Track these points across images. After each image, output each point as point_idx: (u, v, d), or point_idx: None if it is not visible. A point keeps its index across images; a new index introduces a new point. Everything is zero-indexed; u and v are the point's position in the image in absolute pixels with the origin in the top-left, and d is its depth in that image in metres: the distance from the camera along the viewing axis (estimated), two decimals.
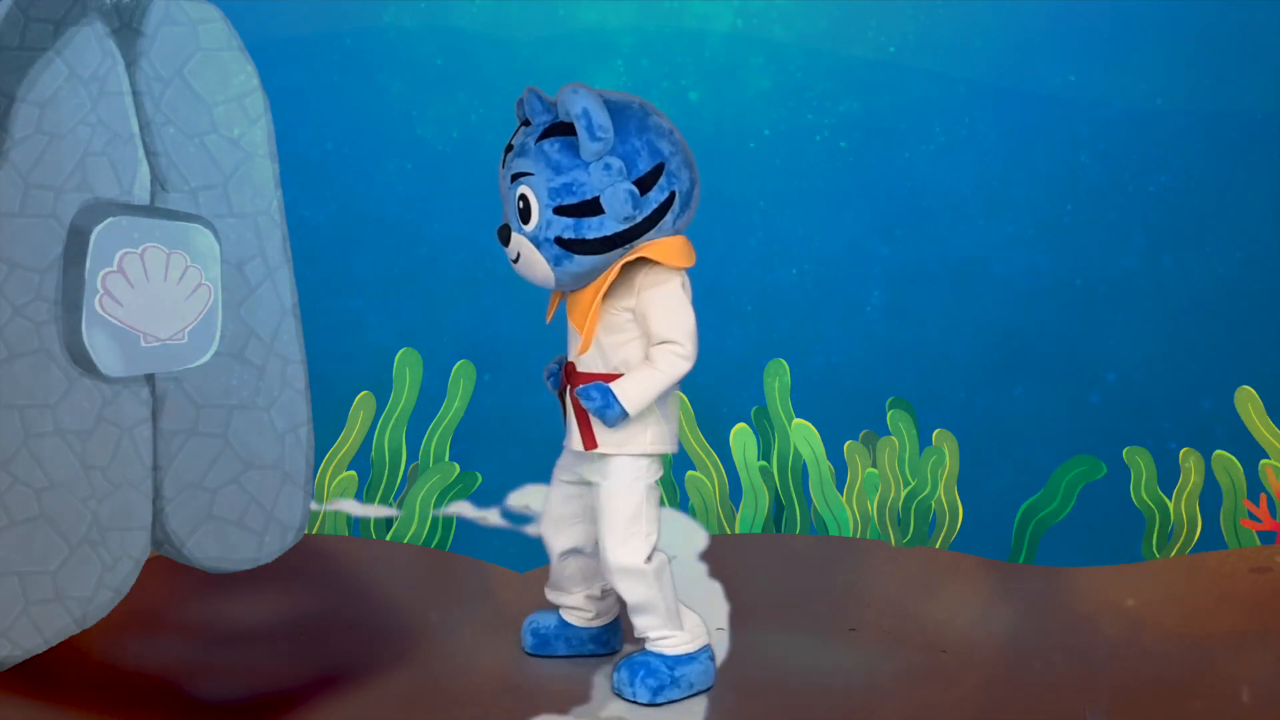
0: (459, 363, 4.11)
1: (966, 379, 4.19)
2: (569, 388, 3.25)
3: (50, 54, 2.89)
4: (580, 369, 3.23)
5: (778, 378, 4.15)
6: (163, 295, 3.01)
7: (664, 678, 3.21)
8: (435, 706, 3.18)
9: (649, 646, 3.26)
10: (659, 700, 3.19)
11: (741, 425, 4.16)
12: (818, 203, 4.17)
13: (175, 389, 3.11)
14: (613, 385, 3.15)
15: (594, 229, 3.10)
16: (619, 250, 3.13)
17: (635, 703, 3.19)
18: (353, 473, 4.09)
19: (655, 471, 3.25)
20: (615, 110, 3.11)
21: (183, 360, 3.07)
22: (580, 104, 3.05)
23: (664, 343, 3.16)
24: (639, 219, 3.11)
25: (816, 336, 4.20)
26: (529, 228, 3.14)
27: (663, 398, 3.21)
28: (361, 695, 3.23)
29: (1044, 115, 4.17)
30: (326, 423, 4.09)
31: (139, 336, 3.00)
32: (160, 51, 3.05)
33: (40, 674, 3.34)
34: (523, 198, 3.13)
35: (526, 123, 3.18)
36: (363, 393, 4.10)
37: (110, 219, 2.93)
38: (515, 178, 3.15)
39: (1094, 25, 4.14)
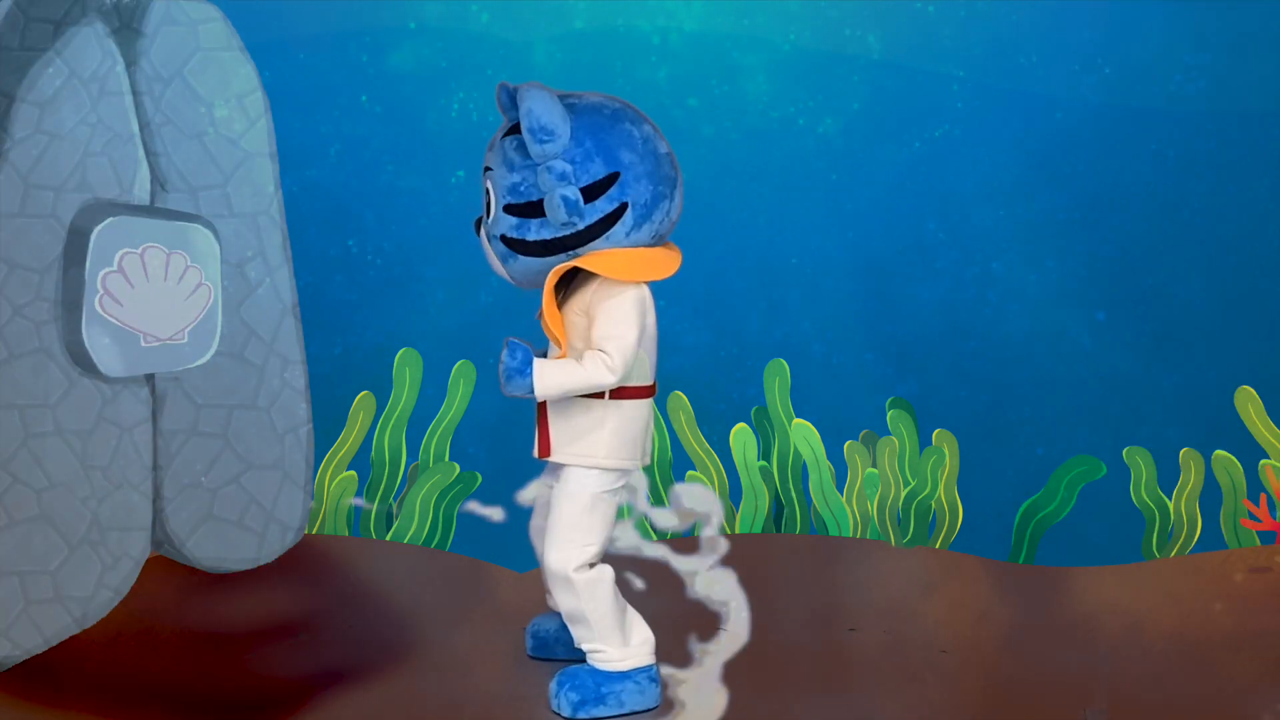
0: (459, 363, 4.11)
1: (966, 379, 4.19)
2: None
3: (50, 54, 2.89)
4: None
5: (778, 378, 4.15)
6: (163, 295, 3.01)
7: (588, 693, 3.12)
8: (435, 706, 3.18)
9: (588, 659, 3.18)
10: (580, 715, 3.11)
11: (741, 425, 4.15)
12: (818, 203, 4.17)
13: (175, 389, 3.11)
14: (537, 361, 3.06)
15: (534, 231, 3.07)
16: (561, 256, 3.08)
17: (558, 715, 3.13)
18: (353, 473, 4.09)
19: (607, 484, 3.16)
20: (581, 112, 3.05)
21: (182, 360, 3.07)
22: (526, 104, 3.00)
23: (598, 351, 3.07)
24: (580, 227, 3.05)
25: (816, 337, 4.20)
26: (488, 223, 3.15)
27: (625, 413, 3.13)
28: (361, 695, 3.22)
29: (1043, 115, 4.17)
30: (326, 423, 4.09)
31: (139, 336, 3.00)
32: (160, 51, 3.05)
33: (39, 675, 3.34)
34: (486, 192, 3.13)
35: None
36: (363, 393, 4.10)
37: (110, 219, 2.94)
38: (485, 171, 3.15)
39: (1093, 25, 4.14)
